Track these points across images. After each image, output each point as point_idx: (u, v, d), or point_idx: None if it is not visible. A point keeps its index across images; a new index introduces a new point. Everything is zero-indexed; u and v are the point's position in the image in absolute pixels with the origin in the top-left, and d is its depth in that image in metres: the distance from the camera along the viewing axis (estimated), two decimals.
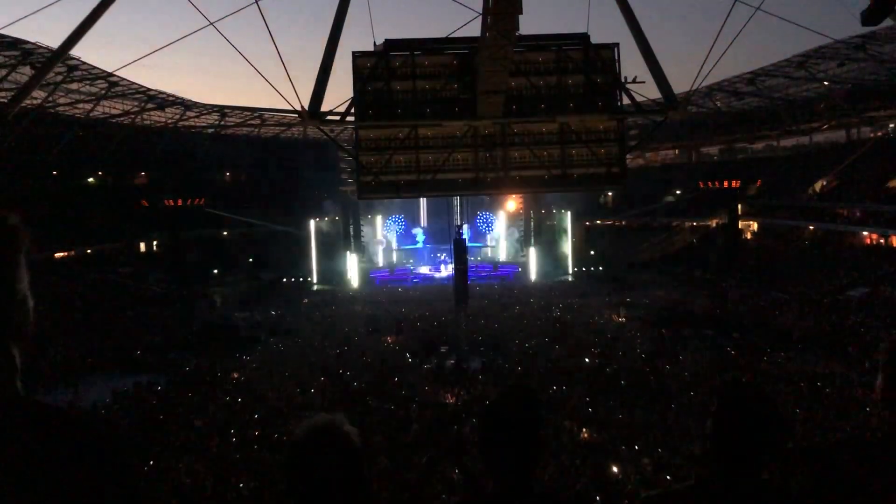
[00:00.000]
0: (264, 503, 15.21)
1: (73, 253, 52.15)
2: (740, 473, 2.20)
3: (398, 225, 64.47)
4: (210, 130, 65.58)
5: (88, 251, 54.35)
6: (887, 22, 5.73)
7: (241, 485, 16.99)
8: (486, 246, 63.69)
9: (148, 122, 59.19)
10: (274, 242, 62.83)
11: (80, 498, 1.33)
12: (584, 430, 19.77)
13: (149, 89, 51.92)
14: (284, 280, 56.75)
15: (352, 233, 57.89)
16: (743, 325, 34.06)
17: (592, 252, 63.35)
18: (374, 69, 20.57)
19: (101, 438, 1.40)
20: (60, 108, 50.80)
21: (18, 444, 1.32)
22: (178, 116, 58.95)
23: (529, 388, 2.41)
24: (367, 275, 57.48)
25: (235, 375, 28.88)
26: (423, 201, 62.04)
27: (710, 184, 50.15)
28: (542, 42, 21.44)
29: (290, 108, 19.52)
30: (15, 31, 35.20)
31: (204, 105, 58.93)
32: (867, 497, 2.12)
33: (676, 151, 76.50)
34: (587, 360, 29.33)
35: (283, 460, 1.96)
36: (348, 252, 56.93)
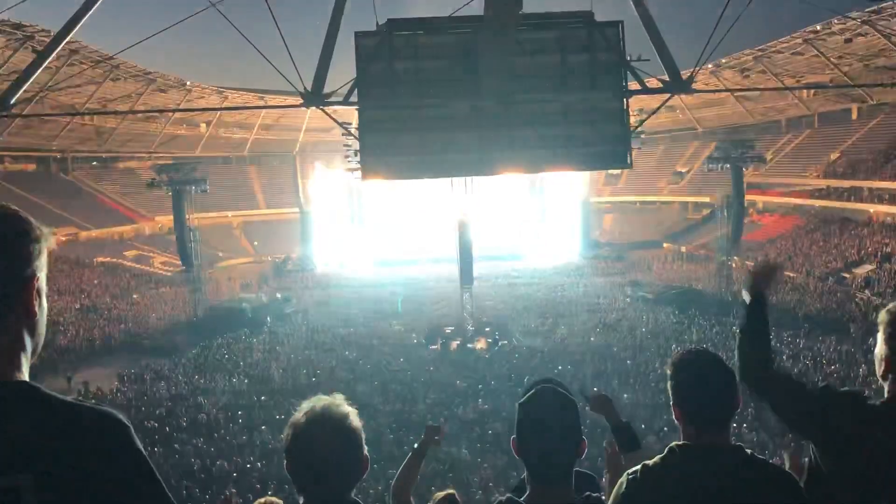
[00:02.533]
0: (271, 483, 15.35)
1: (78, 236, 52.30)
2: (705, 435, 2.27)
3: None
4: (212, 112, 65.42)
5: (94, 234, 54.51)
6: None
7: (248, 465, 17.15)
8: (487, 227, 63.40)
9: (151, 105, 59.03)
10: (279, 225, 62.87)
11: (87, 484, 1.35)
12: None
13: (151, 72, 51.80)
14: (289, 263, 56.81)
15: (357, 214, 57.70)
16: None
17: (598, 231, 63.25)
18: (376, 49, 20.42)
19: (100, 426, 1.41)
20: (62, 92, 50.68)
21: (15, 429, 1.33)
22: (180, 99, 58.81)
23: (560, 385, 2.42)
24: (373, 255, 57.41)
25: (242, 357, 29.02)
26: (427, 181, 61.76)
27: (715, 161, 49.78)
28: (545, 21, 21.23)
29: (293, 89, 19.46)
30: (16, 14, 35.10)
31: (205, 87, 58.79)
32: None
33: (682, 129, 76.00)
34: (592, 339, 29.41)
35: (283, 441, 1.98)
36: (353, 234, 56.82)
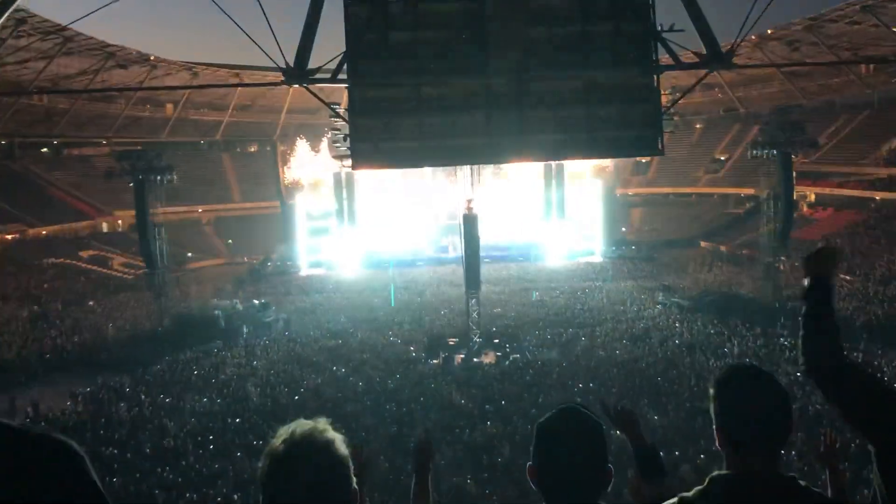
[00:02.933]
0: None
1: (26, 234, 52.39)
2: (753, 464, 2.27)
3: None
4: (181, 91, 65.53)
5: (44, 232, 54.60)
6: None
7: (220, 498, 17.15)
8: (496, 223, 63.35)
9: (109, 83, 59.18)
10: (256, 221, 62.92)
11: None
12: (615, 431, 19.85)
13: (109, 45, 51.92)
14: (269, 264, 56.85)
15: (346, 208, 57.61)
16: (798, 311, 33.92)
17: (624, 228, 63.21)
18: (369, 19, 20.42)
19: (49, 457, 1.40)
20: (8, 68, 50.80)
21: None
22: (143, 76, 58.93)
23: (585, 409, 2.42)
24: (365, 257, 57.36)
25: (214, 373, 29.05)
26: (427, 171, 61.82)
27: (760, 148, 49.77)
28: None
29: (273, 65, 19.48)
30: None
31: (173, 62, 58.89)
32: None
33: (721, 111, 75.98)
34: (618, 352, 29.39)
35: (259, 473, 1.96)
36: (342, 231, 56.73)
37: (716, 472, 2.34)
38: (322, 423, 2.00)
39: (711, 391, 2.41)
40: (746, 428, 2.31)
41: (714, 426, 2.39)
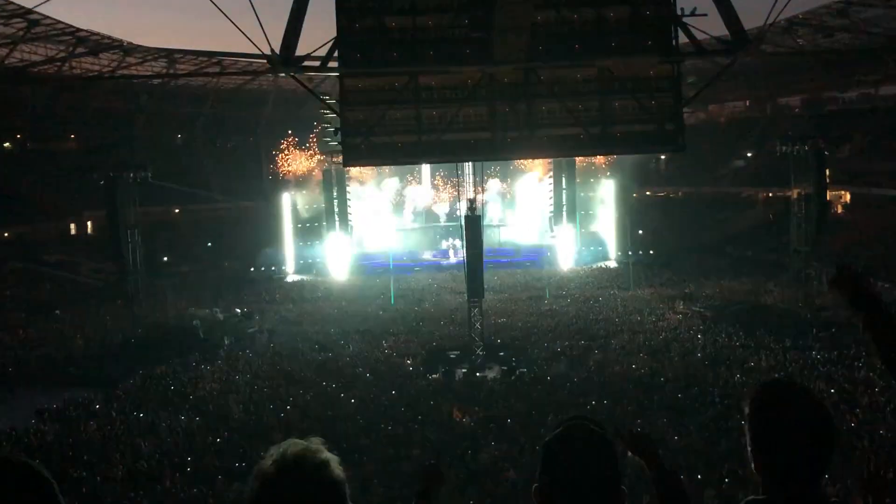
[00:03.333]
0: None
1: None
2: (790, 490, 2.25)
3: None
4: (156, 81, 65.47)
5: (6, 234, 54.56)
6: None
7: None
8: (501, 225, 63.48)
9: (78, 71, 59.17)
10: (238, 222, 62.81)
11: None
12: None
13: (79, 29, 51.89)
14: (252, 269, 56.76)
15: (337, 208, 57.61)
16: (832, 323, 33.90)
17: (641, 231, 63.16)
18: (362, 2, 20.44)
19: (14, 483, 1.39)
20: None
21: None
22: (115, 63, 58.89)
23: (595, 425, 2.40)
24: (358, 261, 57.37)
25: (192, 389, 29.02)
26: (425, 168, 61.90)
27: (790, 144, 49.92)
28: None
29: (258, 52, 19.47)
30: None
31: (148, 49, 58.83)
32: None
33: (747, 103, 76.01)
34: (634, 366, 29.36)
35: (246, 497, 1.95)
36: (333, 233, 56.76)
37: (750, 497, 2.33)
38: (315, 443, 2.00)
39: (746, 410, 2.40)
40: (786, 451, 2.29)
41: (748, 448, 2.38)
